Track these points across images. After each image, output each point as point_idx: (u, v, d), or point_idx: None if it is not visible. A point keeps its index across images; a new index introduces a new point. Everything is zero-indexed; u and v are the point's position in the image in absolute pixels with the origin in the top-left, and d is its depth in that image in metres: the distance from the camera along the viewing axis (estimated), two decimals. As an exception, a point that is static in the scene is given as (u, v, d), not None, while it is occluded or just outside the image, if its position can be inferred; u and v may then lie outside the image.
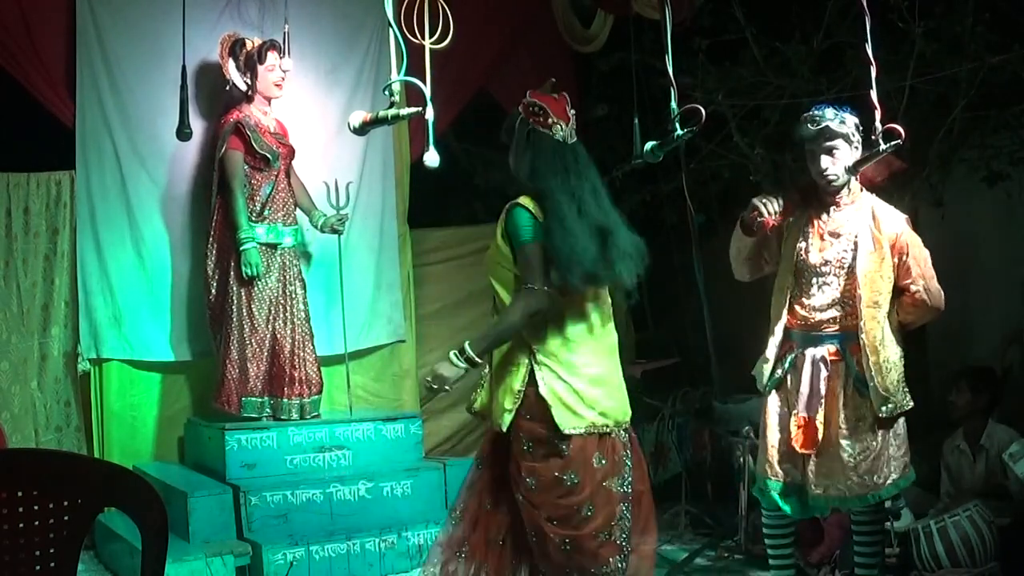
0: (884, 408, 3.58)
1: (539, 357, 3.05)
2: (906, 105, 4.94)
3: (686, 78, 5.18)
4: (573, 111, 3.23)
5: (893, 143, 3.41)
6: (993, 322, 5.85)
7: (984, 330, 5.93)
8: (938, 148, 5.34)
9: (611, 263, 3.06)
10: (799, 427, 3.62)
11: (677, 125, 3.13)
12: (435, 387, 3.10)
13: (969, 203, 5.80)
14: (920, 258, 3.70)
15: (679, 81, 3.18)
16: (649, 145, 3.35)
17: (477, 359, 3.05)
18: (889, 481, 3.61)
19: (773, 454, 3.70)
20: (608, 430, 3.11)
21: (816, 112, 3.66)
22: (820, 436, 3.59)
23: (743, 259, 3.88)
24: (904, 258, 3.67)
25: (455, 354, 3.05)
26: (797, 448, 3.61)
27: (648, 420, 6.33)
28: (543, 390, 3.02)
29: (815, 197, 3.76)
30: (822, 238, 3.70)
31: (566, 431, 3.02)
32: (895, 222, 3.69)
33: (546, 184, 3.07)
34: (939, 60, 5.08)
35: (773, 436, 3.71)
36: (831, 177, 3.66)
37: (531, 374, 3.05)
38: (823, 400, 3.61)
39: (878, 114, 3.40)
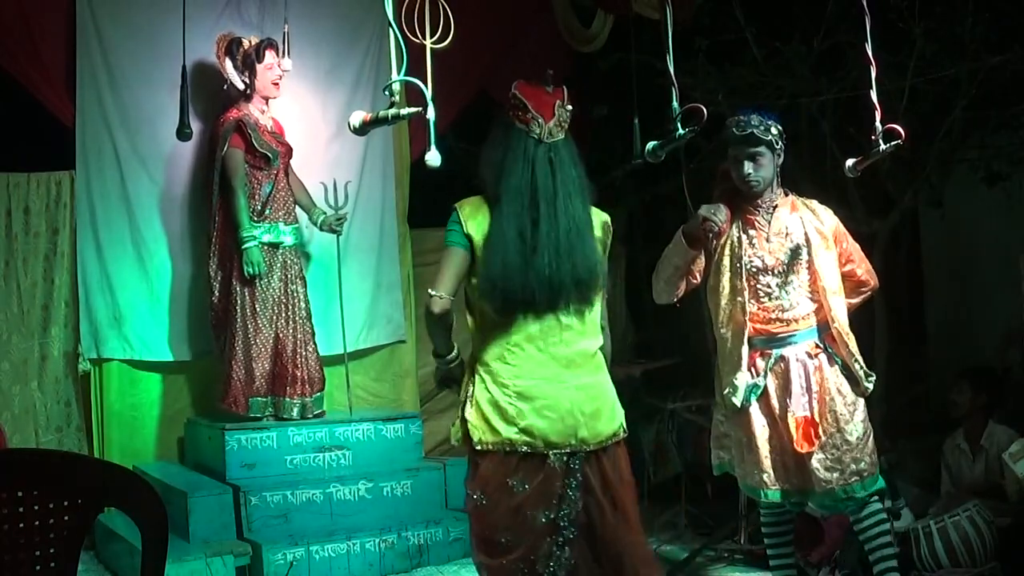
0: (869, 381, 3.65)
1: (477, 367, 2.89)
2: (906, 105, 4.95)
3: (686, 78, 5.17)
4: (569, 107, 3.02)
5: (893, 143, 3.41)
6: (993, 322, 5.85)
7: (984, 330, 5.93)
8: (938, 148, 5.34)
9: (520, 286, 2.80)
10: (798, 427, 3.60)
11: (679, 125, 3.12)
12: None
13: (969, 203, 5.80)
14: (855, 243, 3.83)
15: (679, 81, 3.17)
16: (651, 145, 3.34)
17: (437, 354, 3.03)
18: (877, 458, 3.68)
19: (768, 465, 3.66)
20: (532, 451, 2.79)
21: (742, 118, 3.69)
22: (821, 431, 3.59)
23: (678, 277, 3.78)
24: (845, 245, 3.78)
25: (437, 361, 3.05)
26: (799, 449, 3.59)
27: (648, 420, 6.33)
28: (468, 403, 2.86)
29: (743, 200, 3.77)
30: (768, 240, 3.71)
31: (477, 446, 2.82)
32: (830, 214, 3.79)
33: (496, 184, 2.88)
34: (939, 60, 5.08)
35: (764, 447, 3.67)
36: (753, 182, 3.69)
37: (473, 384, 2.89)
38: (816, 395, 3.62)
39: (878, 114, 3.41)
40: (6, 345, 5.22)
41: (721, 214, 3.66)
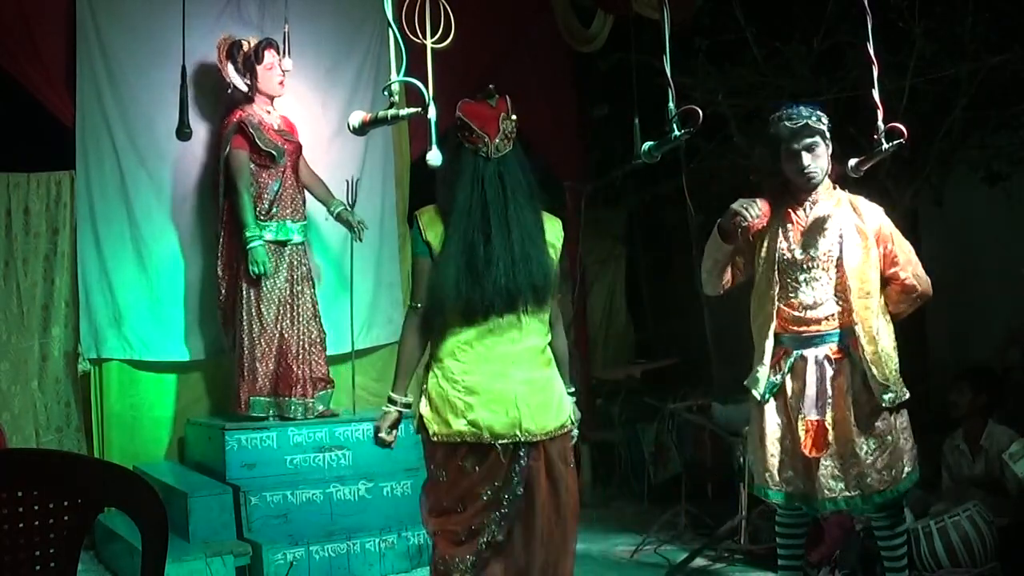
0: (886, 397, 3.53)
1: (432, 363, 3.12)
2: (906, 105, 4.94)
3: (686, 78, 5.18)
4: (513, 117, 3.13)
5: (895, 142, 3.41)
6: (993, 322, 5.85)
7: (984, 330, 5.93)
8: (938, 148, 5.34)
9: (480, 296, 3.01)
10: (807, 431, 3.55)
11: (675, 126, 3.13)
12: (384, 445, 3.22)
13: (969, 203, 5.80)
14: (904, 246, 3.67)
15: (679, 81, 3.16)
16: (646, 146, 3.34)
17: (398, 398, 3.20)
18: (904, 474, 3.56)
19: (774, 464, 3.63)
20: (480, 441, 3.02)
21: (792, 110, 3.62)
22: (831, 438, 3.54)
23: (719, 270, 3.78)
24: (890, 247, 3.64)
25: (384, 407, 3.22)
26: (807, 453, 3.55)
27: (648, 420, 6.34)
28: (423, 396, 3.11)
29: (789, 195, 3.72)
30: (803, 235, 3.66)
31: (433, 437, 3.07)
32: (876, 213, 3.68)
33: (448, 203, 3.08)
34: (939, 60, 5.08)
35: (773, 446, 3.64)
36: (812, 174, 3.62)
37: (426, 379, 3.14)
38: (831, 401, 3.57)
39: (880, 114, 3.40)
40: (6, 345, 5.22)
41: (754, 209, 3.59)
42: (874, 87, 3.38)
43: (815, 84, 5.40)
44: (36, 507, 1.89)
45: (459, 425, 3.03)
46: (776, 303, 3.65)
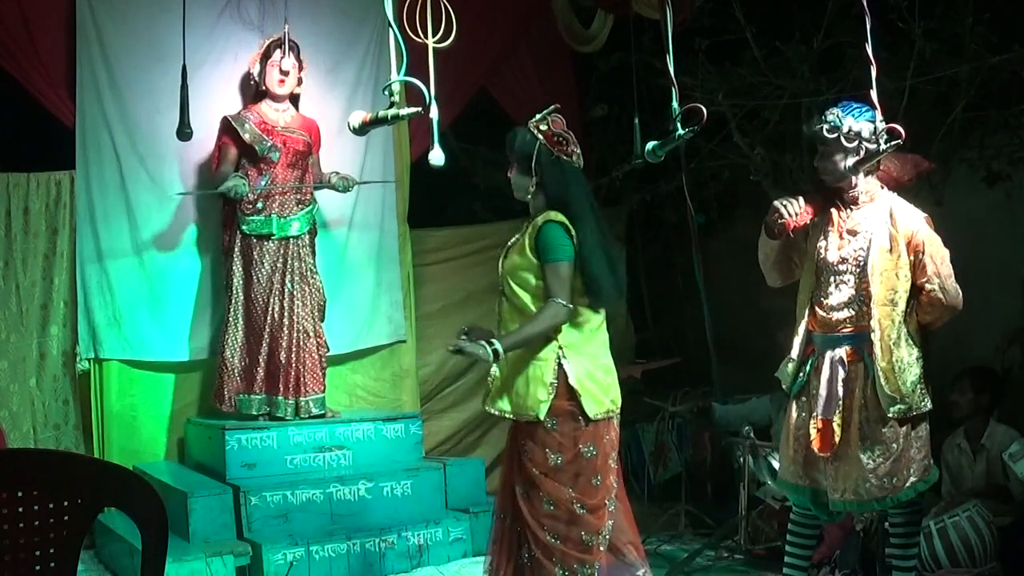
0: (892, 409, 3.52)
1: (566, 352, 3.33)
2: (906, 105, 4.94)
3: (686, 78, 5.18)
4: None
5: (893, 143, 3.41)
6: (993, 322, 5.84)
7: (984, 330, 5.93)
8: (938, 148, 5.34)
9: (619, 291, 3.52)
10: (817, 430, 3.58)
11: (679, 124, 3.13)
12: (456, 350, 3.31)
13: (969, 203, 5.80)
14: (937, 256, 3.62)
15: (680, 81, 3.17)
16: (650, 145, 3.36)
17: (501, 355, 3.29)
18: (908, 483, 3.55)
19: (798, 460, 3.68)
20: (615, 414, 3.42)
21: (828, 115, 3.64)
22: (837, 439, 3.55)
23: (771, 264, 3.84)
24: (920, 256, 3.60)
25: (486, 343, 3.28)
26: (816, 451, 3.58)
27: (648, 420, 6.34)
28: (572, 380, 3.31)
29: (837, 196, 3.73)
30: (841, 236, 3.67)
31: (591, 415, 3.32)
32: (912, 220, 3.64)
33: (578, 211, 3.36)
34: (939, 60, 5.08)
35: (792, 443, 3.69)
36: (839, 175, 3.64)
37: (560, 367, 3.32)
38: (841, 403, 3.56)
39: (878, 114, 3.41)
40: (5, 344, 5.22)
41: (792, 206, 3.63)
42: (873, 87, 3.38)
43: (815, 84, 5.40)
44: (36, 507, 1.89)
45: (607, 403, 3.37)
46: (811, 301, 3.71)
